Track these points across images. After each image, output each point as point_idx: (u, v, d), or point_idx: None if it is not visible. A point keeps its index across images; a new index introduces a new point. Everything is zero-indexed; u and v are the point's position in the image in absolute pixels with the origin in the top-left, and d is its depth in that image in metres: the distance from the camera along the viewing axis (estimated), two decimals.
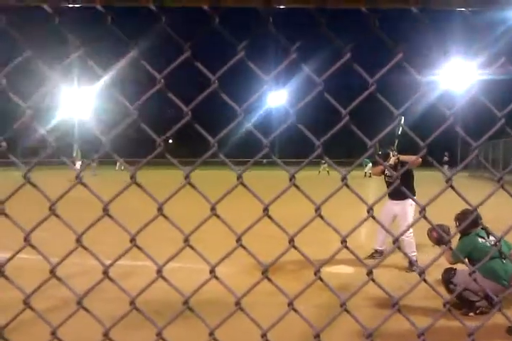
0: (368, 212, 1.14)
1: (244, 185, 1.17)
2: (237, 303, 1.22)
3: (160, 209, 1.18)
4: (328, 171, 35.05)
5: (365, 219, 1.17)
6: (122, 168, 39.40)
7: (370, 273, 1.16)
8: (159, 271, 1.23)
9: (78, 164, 25.00)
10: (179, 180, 1.15)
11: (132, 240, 1.20)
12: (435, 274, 5.34)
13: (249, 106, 1.15)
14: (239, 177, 1.16)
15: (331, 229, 1.26)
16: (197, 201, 1.37)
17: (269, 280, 1.21)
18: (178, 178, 1.21)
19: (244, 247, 1.22)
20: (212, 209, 1.19)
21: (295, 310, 1.19)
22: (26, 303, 1.24)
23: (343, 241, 1.15)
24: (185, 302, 1.23)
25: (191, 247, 1.22)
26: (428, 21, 1.06)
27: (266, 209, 1.16)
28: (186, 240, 1.21)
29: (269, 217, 1.17)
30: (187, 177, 1.17)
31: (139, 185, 1.17)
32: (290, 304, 1.20)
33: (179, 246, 1.24)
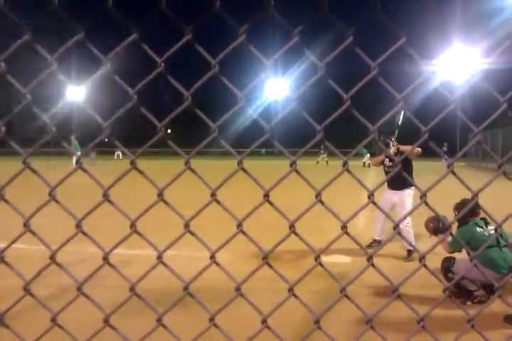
0: (369, 197, 1.14)
1: (245, 170, 1.16)
2: (238, 289, 1.22)
3: (160, 195, 1.18)
4: (327, 161, 34.91)
5: (366, 205, 1.16)
6: (120, 157, 39.38)
7: (370, 258, 1.16)
8: (160, 257, 1.23)
9: (75, 157, 24.73)
10: (179, 168, 1.14)
11: (132, 226, 1.19)
12: (434, 263, 5.36)
13: (251, 91, 1.14)
14: (239, 162, 1.16)
15: (330, 216, 1.26)
16: (197, 187, 1.36)
17: (270, 266, 1.21)
18: (177, 167, 1.20)
19: (244, 233, 1.22)
20: (213, 194, 1.18)
21: (295, 296, 1.19)
22: (26, 290, 1.24)
23: (344, 227, 1.15)
24: (186, 288, 1.23)
25: (191, 233, 1.22)
26: (433, 5, 1.04)
27: (266, 195, 1.16)
28: (187, 225, 1.20)
29: (270, 203, 1.16)
30: (187, 162, 1.16)
31: (139, 171, 1.17)
32: (290, 290, 1.20)
33: (179, 232, 1.23)
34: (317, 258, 1.17)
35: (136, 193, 7.48)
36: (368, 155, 31.81)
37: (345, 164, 1.13)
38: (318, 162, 35.03)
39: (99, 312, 1.30)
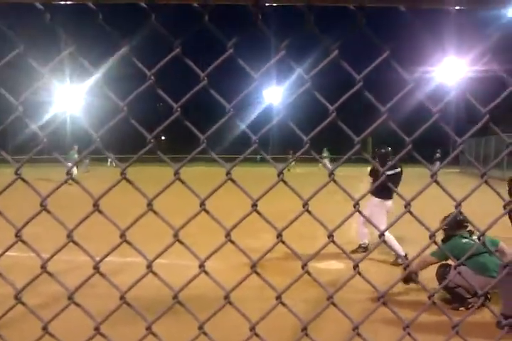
0: (354, 206, 1.16)
1: (233, 181, 1.18)
2: (226, 297, 1.24)
3: (150, 205, 1.20)
4: (289, 169, 35.02)
5: (351, 214, 1.19)
6: (114, 164, 39.22)
7: (356, 266, 1.18)
8: (149, 266, 1.24)
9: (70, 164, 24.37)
10: (170, 175, 1.16)
11: (122, 235, 1.21)
12: (428, 270, 5.39)
13: (239, 103, 1.16)
14: (228, 173, 1.18)
15: (318, 224, 1.28)
16: (187, 194, 1.38)
17: (258, 274, 1.23)
18: (170, 173, 1.22)
19: (233, 242, 1.24)
20: (202, 204, 1.20)
21: (283, 304, 1.21)
22: (18, 298, 1.25)
23: (330, 236, 1.17)
24: (175, 297, 1.25)
25: (181, 242, 1.23)
26: (416, 20, 1.08)
27: (255, 205, 1.18)
28: (176, 235, 1.22)
29: (258, 213, 1.18)
30: (176, 173, 1.18)
31: (129, 181, 1.18)
32: (278, 298, 1.22)
33: (169, 241, 1.25)
34: (304, 266, 1.19)
35: (127, 200, 7.46)
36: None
37: (331, 174, 1.15)
38: (289, 170, 34.72)
39: (89, 321, 1.31)
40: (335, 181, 1.16)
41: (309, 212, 1.16)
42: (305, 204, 1.17)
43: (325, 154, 36.21)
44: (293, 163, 35.39)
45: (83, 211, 1.16)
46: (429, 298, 1.23)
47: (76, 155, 24.90)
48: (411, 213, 1.16)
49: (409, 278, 5.17)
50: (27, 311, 1.30)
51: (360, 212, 1.16)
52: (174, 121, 1.21)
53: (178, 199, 7.53)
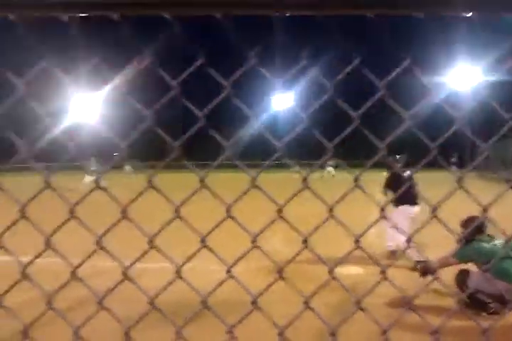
0: (381, 212, 1.17)
1: (259, 187, 1.20)
2: (254, 302, 1.25)
3: (177, 211, 1.22)
4: (333, 175, 34.84)
5: (378, 220, 1.19)
6: (131, 170, 39.53)
7: (383, 272, 1.19)
8: (177, 272, 1.26)
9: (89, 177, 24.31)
10: (195, 180, 1.18)
11: (150, 242, 1.23)
12: (448, 273, 5.33)
13: (263, 109, 1.18)
14: (253, 179, 1.19)
15: (342, 228, 1.29)
16: (212, 199, 1.40)
17: (284, 279, 1.24)
18: (194, 179, 1.24)
19: (259, 247, 1.25)
20: (228, 211, 1.22)
21: (311, 309, 1.22)
22: (49, 304, 1.28)
23: (357, 241, 1.18)
24: (204, 302, 1.26)
25: (208, 248, 1.25)
26: (434, 27, 1.08)
27: (280, 211, 1.19)
28: (203, 241, 1.24)
29: (283, 218, 1.20)
30: (202, 180, 1.20)
31: (156, 189, 1.21)
32: (306, 303, 1.23)
33: (194, 245, 1.27)
34: (330, 272, 1.20)
35: (150, 206, 7.54)
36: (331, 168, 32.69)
37: (356, 180, 1.16)
38: (323, 175, 34.82)
39: (115, 325, 1.33)
40: (359, 187, 1.17)
41: (334, 218, 1.17)
42: (330, 210, 1.18)
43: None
44: (329, 168, 35.59)
45: (109, 217, 1.19)
46: (457, 303, 1.22)
47: (95, 163, 24.92)
48: (437, 218, 1.16)
49: (426, 271, 5.32)
50: (55, 315, 1.33)
51: (385, 218, 1.17)
52: (197, 129, 1.24)
53: (204, 203, 7.59)
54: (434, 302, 5.28)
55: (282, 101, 1.37)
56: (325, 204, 1.20)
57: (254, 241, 1.23)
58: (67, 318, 1.34)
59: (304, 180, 1.17)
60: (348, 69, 1.13)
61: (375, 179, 8.19)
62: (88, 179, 22.69)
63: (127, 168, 41.32)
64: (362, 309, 1.19)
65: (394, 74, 1.14)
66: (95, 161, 25.07)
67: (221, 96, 1.17)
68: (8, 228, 1.36)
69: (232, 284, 1.36)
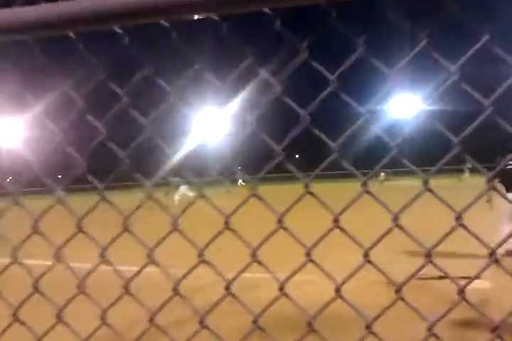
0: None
1: (371, 193, 1.06)
2: (368, 327, 1.10)
3: (280, 222, 1.12)
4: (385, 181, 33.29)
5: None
6: (243, 183, 40.46)
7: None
8: (281, 289, 1.16)
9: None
10: (293, 193, 1.08)
11: (253, 255, 1.15)
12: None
13: (374, 106, 1.05)
14: (363, 184, 1.06)
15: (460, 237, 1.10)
16: (316, 212, 1.28)
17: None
18: (292, 191, 1.14)
19: (371, 262, 1.11)
20: (336, 220, 1.09)
21: (436, 337, 1.04)
22: (151, 320, 1.25)
23: (492, 253, 0.99)
24: (310, 324, 1.14)
25: (314, 262, 1.13)
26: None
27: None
28: (308, 254, 1.13)
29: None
30: (306, 186, 1.10)
31: (259, 198, 1.13)
32: (430, 329, 1.05)
33: (292, 258, 1.16)
34: (460, 293, 1.01)
35: (245, 217, 7.60)
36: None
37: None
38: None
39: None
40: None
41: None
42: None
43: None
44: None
45: (210, 230, 1.12)
46: None
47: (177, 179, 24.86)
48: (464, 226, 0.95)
49: None
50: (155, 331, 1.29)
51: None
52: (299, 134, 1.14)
53: (307, 217, 7.49)
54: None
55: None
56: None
57: (366, 255, 1.09)
58: (168, 334, 1.30)
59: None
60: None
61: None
62: (179, 194, 23.31)
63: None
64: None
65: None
66: (180, 177, 25.38)
67: (326, 91, 1.06)
68: (113, 240, 1.36)
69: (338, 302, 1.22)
